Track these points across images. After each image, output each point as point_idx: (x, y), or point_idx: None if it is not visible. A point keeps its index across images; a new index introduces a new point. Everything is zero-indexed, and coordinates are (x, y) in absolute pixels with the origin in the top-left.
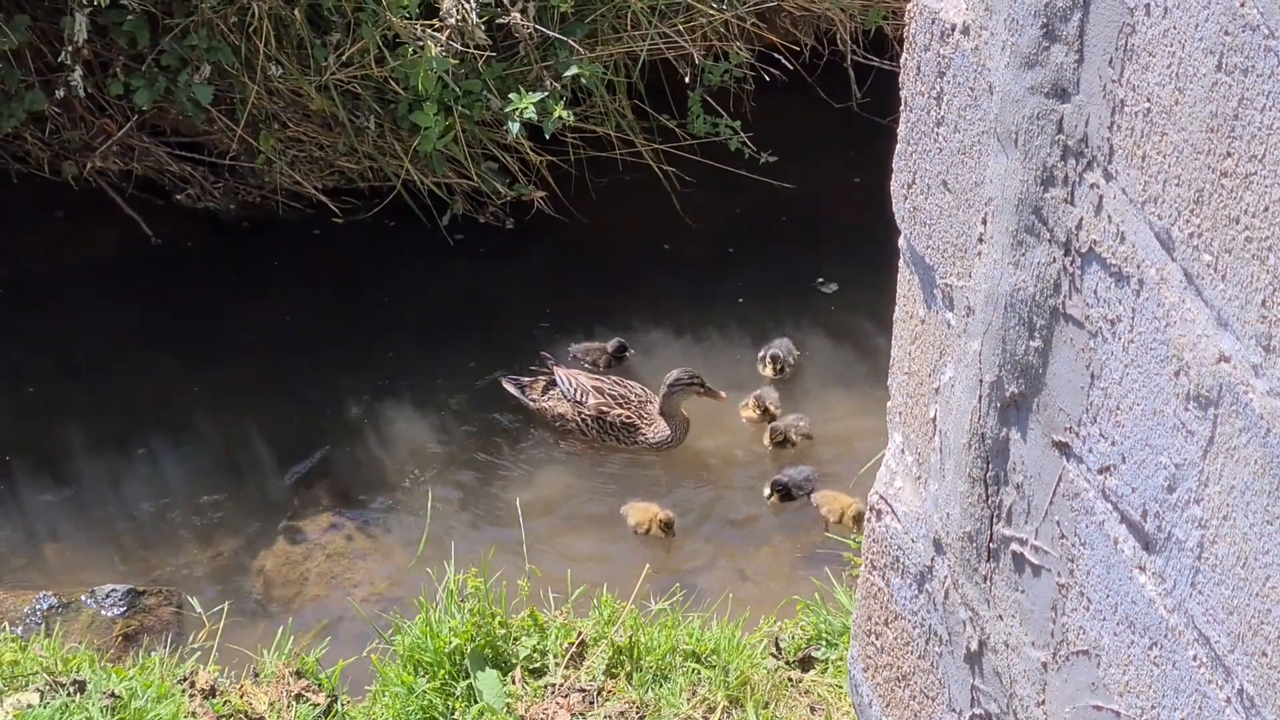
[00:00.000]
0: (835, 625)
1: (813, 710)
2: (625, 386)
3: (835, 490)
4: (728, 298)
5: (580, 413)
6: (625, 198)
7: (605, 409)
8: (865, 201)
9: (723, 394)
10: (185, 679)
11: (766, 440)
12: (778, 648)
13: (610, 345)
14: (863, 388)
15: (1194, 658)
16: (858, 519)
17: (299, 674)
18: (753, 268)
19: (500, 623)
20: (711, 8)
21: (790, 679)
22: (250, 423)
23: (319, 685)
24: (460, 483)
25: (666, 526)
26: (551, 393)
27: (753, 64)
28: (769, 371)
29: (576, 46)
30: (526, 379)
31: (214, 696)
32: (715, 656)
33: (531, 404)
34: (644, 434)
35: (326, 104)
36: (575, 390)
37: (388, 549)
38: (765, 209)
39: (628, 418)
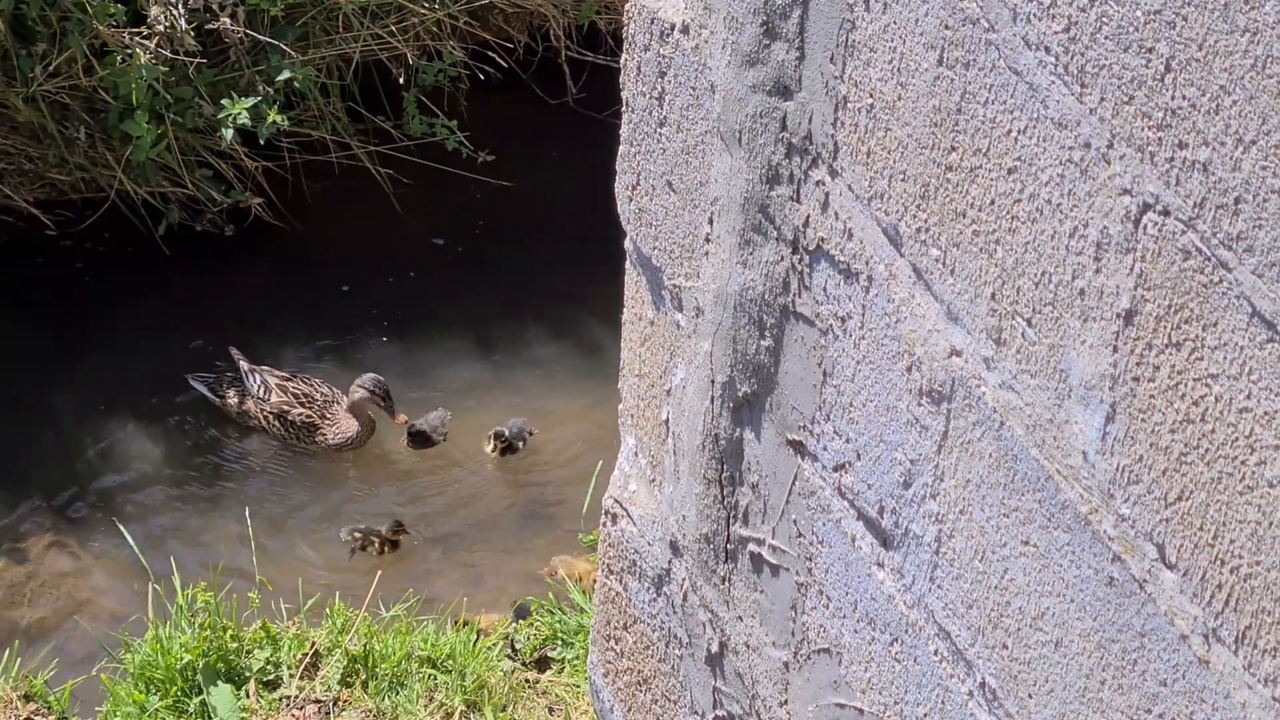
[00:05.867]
0: (571, 625)
1: (551, 711)
2: (311, 385)
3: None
4: (448, 299)
5: (262, 409)
6: (343, 201)
7: (286, 407)
8: (583, 195)
9: (401, 417)
10: None
11: (490, 448)
12: (514, 649)
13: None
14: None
15: (935, 652)
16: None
17: (27, 697)
18: (475, 267)
19: (232, 636)
20: (423, 7)
21: (527, 680)
22: None
23: (48, 707)
24: (187, 495)
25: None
26: (238, 389)
27: (467, 63)
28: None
29: (288, 50)
30: (213, 376)
31: None
32: (451, 661)
33: (217, 401)
34: (323, 433)
35: (34, 115)
36: (259, 387)
37: (114, 565)
38: (485, 207)
39: (308, 417)
